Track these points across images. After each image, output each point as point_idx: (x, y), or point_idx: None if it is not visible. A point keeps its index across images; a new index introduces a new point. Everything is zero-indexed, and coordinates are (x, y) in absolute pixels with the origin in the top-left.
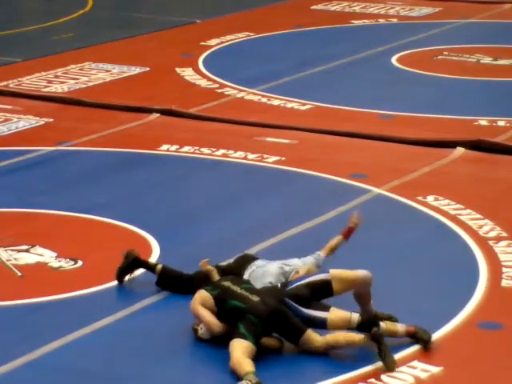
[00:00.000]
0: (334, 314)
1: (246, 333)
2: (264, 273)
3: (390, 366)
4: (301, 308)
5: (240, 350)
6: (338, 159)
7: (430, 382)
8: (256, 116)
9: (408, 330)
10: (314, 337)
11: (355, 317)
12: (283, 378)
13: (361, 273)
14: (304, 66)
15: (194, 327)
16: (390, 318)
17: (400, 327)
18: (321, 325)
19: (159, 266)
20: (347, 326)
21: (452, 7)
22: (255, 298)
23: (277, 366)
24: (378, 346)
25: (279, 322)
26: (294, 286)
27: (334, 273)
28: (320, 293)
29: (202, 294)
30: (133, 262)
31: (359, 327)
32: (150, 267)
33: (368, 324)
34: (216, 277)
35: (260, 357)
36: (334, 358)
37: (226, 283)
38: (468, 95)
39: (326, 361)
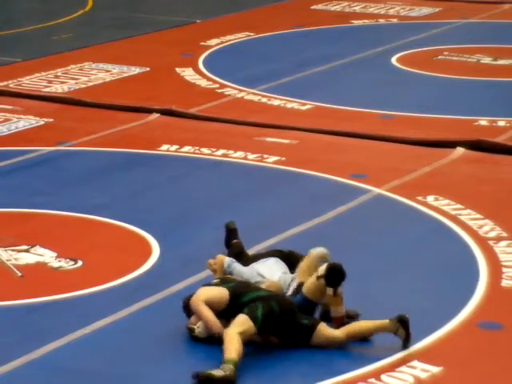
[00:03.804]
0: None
1: (259, 316)
2: (239, 273)
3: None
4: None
5: (241, 327)
6: (338, 159)
7: (430, 381)
8: (256, 116)
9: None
10: (329, 330)
11: (322, 266)
12: (282, 379)
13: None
14: (304, 66)
15: (189, 326)
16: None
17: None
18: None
19: (235, 241)
20: (316, 276)
21: (452, 7)
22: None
23: (276, 367)
24: (405, 330)
25: (293, 317)
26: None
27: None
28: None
29: (211, 292)
30: (229, 232)
31: (328, 274)
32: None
33: (337, 270)
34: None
35: (259, 357)
36: (334, 358)
37: (237, 280)
38: (468, 95)
39: (325, 361)
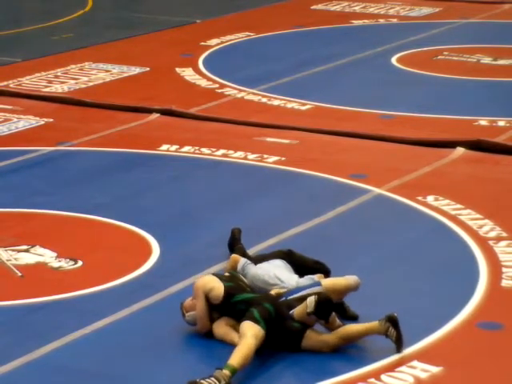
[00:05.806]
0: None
1: (259, 318)
2: (255, 274)
3: (401, 349)
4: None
5: (251, 331)
6: (338, 159)
7: (430, 381)
8: (256, 116)
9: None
10: (319, 334)
11: (311, 299)
12: (282, 379)
13: (352, 279)
14: (304, 66)
15: (183, 309)
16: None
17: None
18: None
19: (238, 246)
20: (306, 312)
21: (452, 7)
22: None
23: (275, 367)
24: (395, 329)
25: (284, 321)
26: (286, 299)
27: (327, 284)
28: None
29: (214, 283)
30: (234, 238)
31: (317, 310)
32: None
33: (325, 304)
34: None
35: (258, 357)
36: (334, 358)
37: (240, 281)
38: (468, 95)
39: (325, 361)
